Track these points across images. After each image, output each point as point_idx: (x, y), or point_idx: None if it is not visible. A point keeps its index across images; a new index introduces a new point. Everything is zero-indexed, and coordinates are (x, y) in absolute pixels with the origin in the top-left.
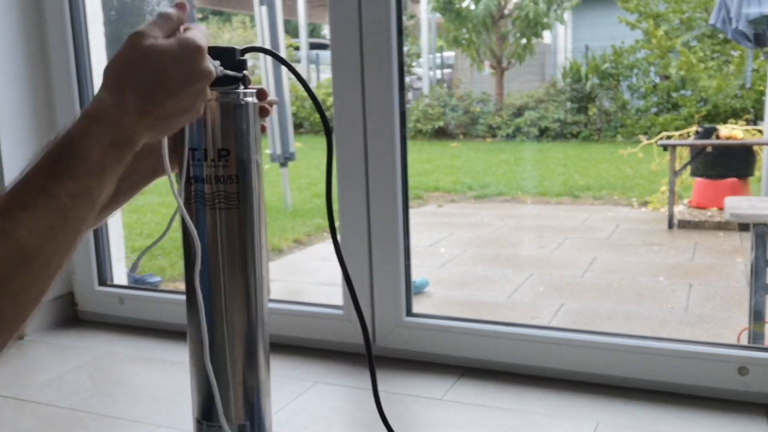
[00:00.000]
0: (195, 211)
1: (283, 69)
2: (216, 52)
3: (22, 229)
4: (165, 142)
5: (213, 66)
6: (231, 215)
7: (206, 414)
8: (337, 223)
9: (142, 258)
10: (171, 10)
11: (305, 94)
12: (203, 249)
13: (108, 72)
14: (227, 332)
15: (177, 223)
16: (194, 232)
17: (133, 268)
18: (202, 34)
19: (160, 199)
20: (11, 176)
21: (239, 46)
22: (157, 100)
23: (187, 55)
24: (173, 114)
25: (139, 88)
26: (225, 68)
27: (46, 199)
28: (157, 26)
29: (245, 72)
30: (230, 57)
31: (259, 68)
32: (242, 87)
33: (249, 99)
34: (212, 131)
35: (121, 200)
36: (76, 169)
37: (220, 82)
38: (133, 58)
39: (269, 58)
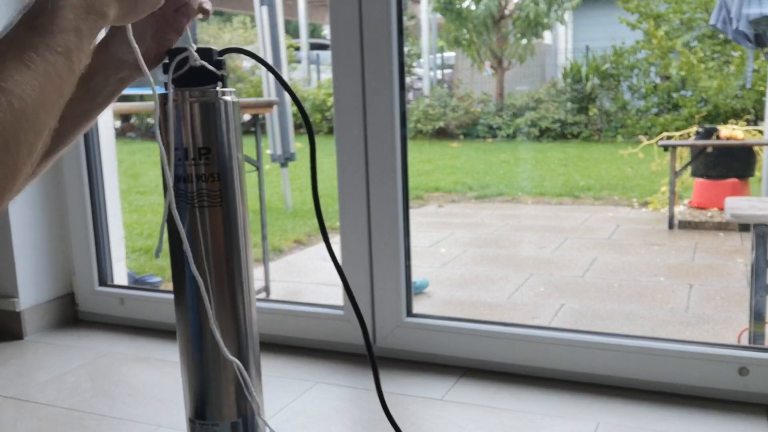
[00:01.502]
0: (179, 210)
1: (284, 69)
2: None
3: (8, 81)
4: (130, 29)
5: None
6: (214, 213)
7: (199, 413)
8: (337, 224)
9: (137, 254)
10: None
11: (306, 94)
12: (188, 248)
13: None
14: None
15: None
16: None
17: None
18: None
19: (160, 200)
20: None
21: (217, 47)
22: None
23: None
24: None
25: None
26: (203, 67)
27: (28, 53)
28: None
29: (223, 72)
30: (208, 57)
31: (259, 68)
32: (221, 86)
33: (228, 98)
34: (192, 130)
35: (95, 112)
36: (54, 26)
37: (200, 81)
38: None
39: (270, 58)
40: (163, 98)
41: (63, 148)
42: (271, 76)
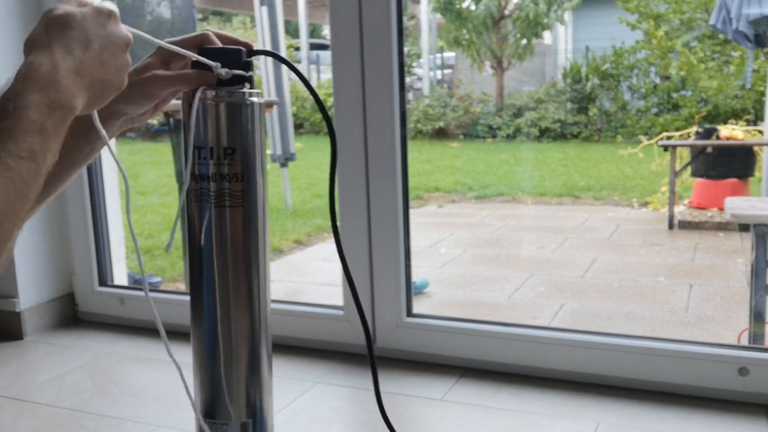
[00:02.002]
0: (200, 209)
1: (284, 69)
2: (223, 53)
3: None
4: (96, 114)
5: (128, 31)
6: (235, 213)
7: (208, 412)
8: (337, 224)
9: (130, 257)
10: None
11: (306, 94)
12: (207, 247)
13: (30, 41)
14: (231, 330)
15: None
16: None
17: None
18: (112, 3)
19: (160, 200)
20: None
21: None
22: (87, 60)
23: (103, 19)
24: (103, 78)
25: (66, 47)
26: (231, 68)
27: None
28: (66, 1)
29: (251, 73)
30: (236, 58)
31: (260, 68)
32: (248, 87)
33: (254, 99)
34: (218, 130)
35: (94, 155)
36: (16, 130)
37: (226, 81)
38: (53, 24)
39: (269, 58)
40: (190, 96)
41: (61, 188)
42: (271, 76)
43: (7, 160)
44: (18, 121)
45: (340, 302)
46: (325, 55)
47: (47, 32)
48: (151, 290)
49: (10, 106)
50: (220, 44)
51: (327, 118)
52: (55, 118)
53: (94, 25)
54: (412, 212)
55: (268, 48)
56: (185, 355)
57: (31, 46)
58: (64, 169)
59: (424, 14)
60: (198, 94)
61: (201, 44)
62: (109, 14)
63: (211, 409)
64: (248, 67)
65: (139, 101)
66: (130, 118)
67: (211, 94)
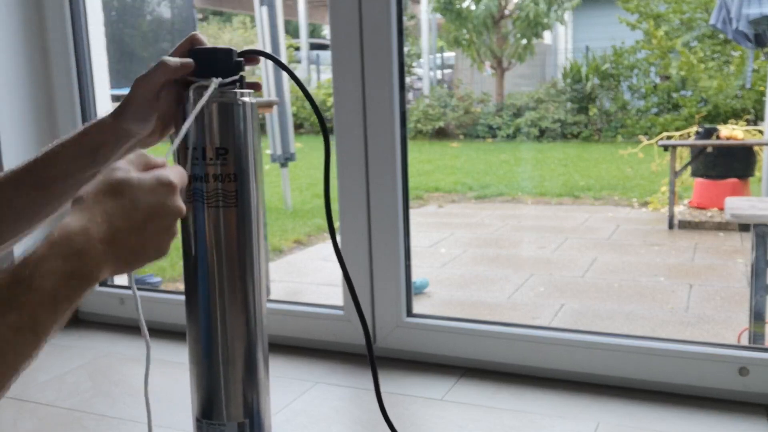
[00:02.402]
0: (193, 210)
1: None
2: (214, 53)
3: None
4: (132, 277)
5: (183, 204)
6: (229, 213)
7: (206, 412)
8: (337, 224)
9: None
10: (149, 154)
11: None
12: (202, 248)
13: (76, 198)
14: (226, 330)
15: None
16: None
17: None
18: (177, 173)
19: None
20: None
21: (237, 49)
22: (125, 230)
23: (159, 189)
24: (139, 249)
25: (108, 215)
26: (222, 68)
27: None
28: (132, 163)
29: (242, 73)
30: (228, 58)
31: (260, 69)
32: (240, 87)
33: (246, 99)
34: (210, 130)
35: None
36: (25, 300)
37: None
38: (104, 187)
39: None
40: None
41: (59, 212)
42: (271, 77)
43: (7, 333)
44: (30, 290)
45: (340, 302)
46: (325, 55)
47: (95, 194)
48: (151, 290)
49: (26, 272)
50: (207, 44)
51: (318, 114)
52: (72, 287)
53: (147, 195)
54: (412, 212)
55: (268, 48)
56: (185, 355)
57: (75, 203)
58: (66, 191)
59: (424, 14)
60: (191, 94)
61: (191, 46)
62: (169, 186)
63: (207, 409)
64: (238, 68)
65: (141, 114)
66: (138, 141)
67: (203, 94)
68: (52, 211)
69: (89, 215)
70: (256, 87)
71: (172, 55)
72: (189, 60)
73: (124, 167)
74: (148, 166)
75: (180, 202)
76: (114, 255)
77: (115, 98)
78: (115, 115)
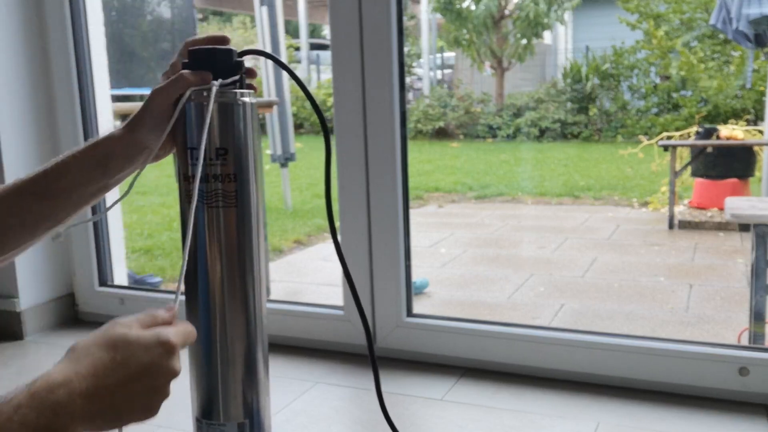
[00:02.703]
0: (193, 210)
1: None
2: (214, 53)
3: None
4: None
5: (179, 366)
6: (229, 213)
7: (206, 413)
8: (337, 224)
9: (137, 254)
10: (159, 312)
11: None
12: (202, 248)
13: (71, 348)
14: (226, 330)
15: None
16: None
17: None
18: (181, 332)
19: (160, 200)
20: (11, 176)
21: (237, 49)
22: (110, 387)
23: (157, 348)
24: (124, 408)
25: (95, 369)
26: (222, 68)
27: None
28: (138, 320)
29: (242, 73)
30: (228, 58)
31: (260, 69)
32: (239, 87)
33: (246, 99)
34: (210, 130)
35: (104, 191)
36: None
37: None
38: (99, 340)
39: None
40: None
41: (63, 224)
42: (271, 77)
43: None
44: None
45: (340, 302)
46: (325, 55)
47: (88, 346)
48: (151, 290)
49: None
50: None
51: (319, 114)
52: None
53: (142, 353)
54: (412, 212)
55: (268, 48)
56: (185, 355)
57: (68, 352)
58: (71, 204)
59: (424, 14)
60: (188, 95)
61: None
62: (167, 345)
63: (207, 409)
64: (238, 68)
65: (156, 126)
66: (151, 153)
67: (203, 95)
68: (56, 223)
69: (76, 367)
70: (250, 86)
71: (173, 64)
72: (207, 72)
73: (127, 323)
74: (154, 324)
75: (177, 365)
76: (93, 411)
77: (115, 98)
78: (129, 127)
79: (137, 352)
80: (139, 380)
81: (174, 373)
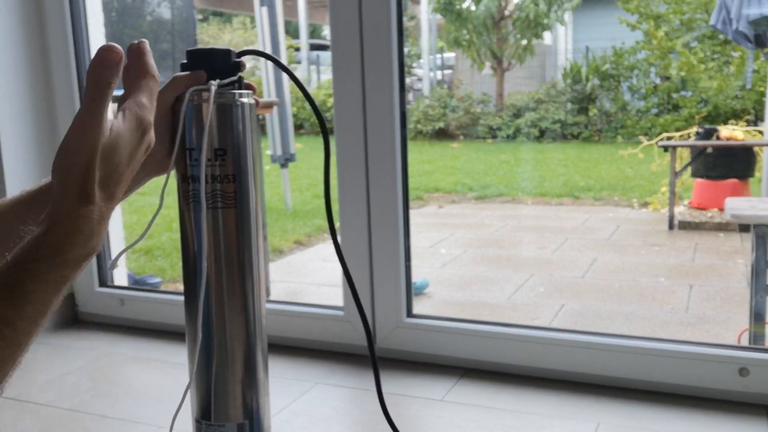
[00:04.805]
0: (193, 211)
1: None
2: (212, 54)
3: None
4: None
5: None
6: (228, 215)
7: (205, 413)
8: (337, 224)
9: (137, 255)
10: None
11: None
12: (199, 249)
13: (86, 174)
14: (225, 332)
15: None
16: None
17: (112, 265)
18: (149, 95)
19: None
20: (11, 177)
21: (235, 49)
22: (117, 181)
23: (140, 132)
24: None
25: (112, 188)
26: (220, 69)
27: (1, 329)
28: (98, 101)
29: (240, 74)
30: (226, 59)
31: (260, 69)
32: (238, 88)
33: (245, 99)
34: (209, 131)
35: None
36: (36, 293)
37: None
38: (108, 153)
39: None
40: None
41: None
42: (271, 77)
43: (22, 324)
44: (41, 284)
45: (340, 303)
46: (325, 56)
47: (102, 166)
48: (151, 291)
49: (34, 268)
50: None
51: (318, 114)
52: (80, 264)
53: (133, 142)
54: (412, 213)
55: (268, 49)
56: (185, 355)
57: (81, 180)
58: None
59: (424, 14)
60: (187, 96)
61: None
62: (146, 129)
63: (207, 410)
64: (237, 68)
65: (158, 130)
66: (154, 161)
67: (201, 95)
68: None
69: (106, 199)
70: (251, 88)
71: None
72: (201, 72)
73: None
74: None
75: (151, 133)
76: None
77: (115, 98)
78: None
79: (131, 146)
80: (132, 163)
81: (151, 143)
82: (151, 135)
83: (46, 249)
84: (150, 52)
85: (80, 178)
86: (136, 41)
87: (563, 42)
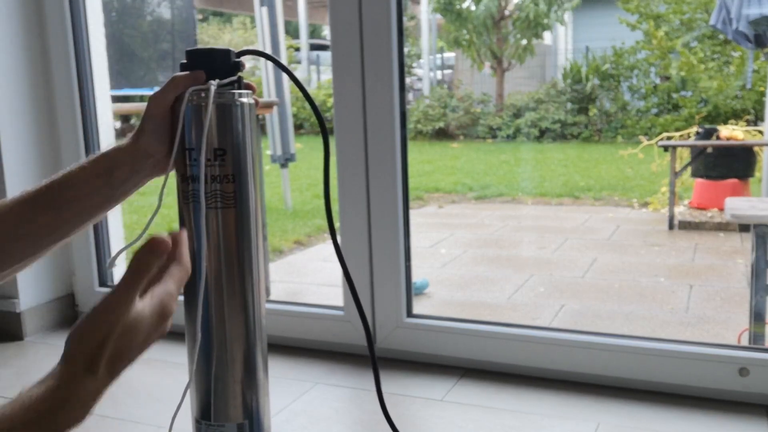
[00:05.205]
0: (192, 211)
1: None
2: (212, 54)
3: None
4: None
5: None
6: (228, 214)
7: (205, 414)
8: (337, 224)
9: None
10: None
11: None
12: (199, 249)
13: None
14: (225, 332)
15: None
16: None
17: (110, 263)
18: (178, 285)
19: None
20: (11, 177)
21: (235, 49)
22: (125, 362)
23: (159, 321)
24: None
25: (117, 367)
26: (220, 69)
27: None
28: (135, 283)
29: (240, 74)
30: (225, 59)
31: (260, 69)
32: (237, 88)
33: (244, 99)
34: (208, 131)
35: (108, 206)
36: None
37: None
38: (126, 336)
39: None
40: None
41: (66, 240)
42: (271, 77)
43: None
44: None
45: (340, 303)
46: (325, 56)
47: (117, 344)
48: None
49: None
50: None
51: (318, 114)
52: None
53: (151, 328)
54: (412, 213)
55: (268, 49)
56: (185, 355)
57: (93, 352)
58: (73, 218)
59: (424, 14)
60: (187, 96)
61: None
62: (167, 317)
63: (207, 410)
64: (236, 68)
65: (158, 131)
66: (155, 163)
67: (200, 95)
68: (61, 237)
69: (106, 376)
70: (251, 88)
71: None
72: (200, 72)
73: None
74: (146, 282)
75: (168, 323)
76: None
77: (115, 99)
78: (135, 136)
79: (145, 334)
80: (141, 348)
81: (164, 334)
82: (170, 323)
83: (42, 407)
84: (187, 243)
85: (92, 349)
86: (177, 231)
87: (563, 42)
